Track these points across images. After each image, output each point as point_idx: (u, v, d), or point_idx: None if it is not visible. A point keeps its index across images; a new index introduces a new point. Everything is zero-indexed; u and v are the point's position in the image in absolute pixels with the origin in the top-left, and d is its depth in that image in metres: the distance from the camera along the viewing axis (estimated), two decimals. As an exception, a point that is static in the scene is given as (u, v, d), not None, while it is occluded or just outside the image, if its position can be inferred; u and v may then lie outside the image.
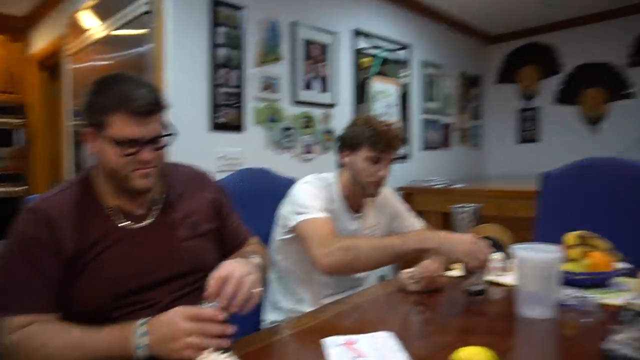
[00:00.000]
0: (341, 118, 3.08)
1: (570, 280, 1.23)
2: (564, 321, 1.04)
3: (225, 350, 0.80)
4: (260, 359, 0.91)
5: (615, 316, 1.07)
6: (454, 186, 3.36)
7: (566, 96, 4.47)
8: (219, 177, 1.58)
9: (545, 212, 1.80)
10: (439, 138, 4.18)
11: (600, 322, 1.03)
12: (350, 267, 1.25)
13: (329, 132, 2.98)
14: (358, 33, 3.24)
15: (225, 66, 2.41)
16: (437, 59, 4.14)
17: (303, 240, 1.34)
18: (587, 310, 1.08)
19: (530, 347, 0.97)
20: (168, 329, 0.80)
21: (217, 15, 2.36)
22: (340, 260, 1.22)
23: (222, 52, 2.39)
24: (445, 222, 3.07)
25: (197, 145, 2.26)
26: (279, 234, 1.51)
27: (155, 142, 0.96)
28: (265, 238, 1.53)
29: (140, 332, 0.81)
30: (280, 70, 2.68)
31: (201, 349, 0.78)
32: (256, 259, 1.03)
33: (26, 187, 3.86)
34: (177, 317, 0.81)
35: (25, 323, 0.86)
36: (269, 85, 2.62)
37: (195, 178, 1.17)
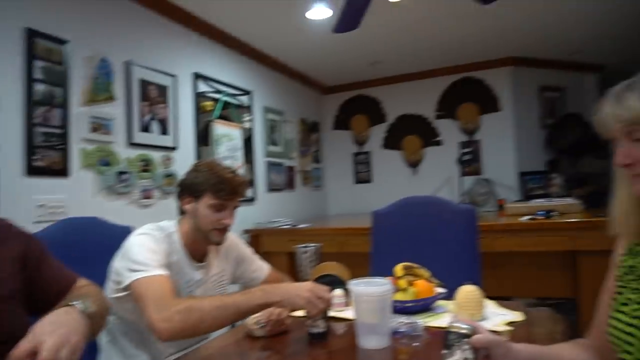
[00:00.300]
0: (183, 161, 2.98)
1: (401, 309, 1.35)
2: (397, 348, 1.13)
3: None
4: None
5: (440, 337, 1.20)
6: (299, 226, 3.47)
7: (391, 142, 5.08)
8: (37, 228, 1.37)
9: (377, 246, 1.97)
10: (283, 180, 4.32)
11: (428, 344, 1.15)
12: (192, 331, 1.14)
13: (169, 175, 2.84)
14: (198, 76, 3.23)
15: (45, 104, 2.14)
16: (278, 105, 4.34)
17: (138, 301, 1.20)
18: (417, 334, 1.19)
19: (369, 378, 1.02)
20: None
21: (34, 47, 2.10)
22: (180, 326, 1.11)
23: (41, 88, 2.12)
24: (291, 261, 3.13)
25: (9, 192, 1.93)
26: (111, 291, 1.33)
27: None
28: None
29: None
30: (113, 110, 2.49)
31: None
32: (81, 305, 0.88)
33: None
34: None
35: None
36: (100, 126, 2.40)
37: None
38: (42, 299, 0.99)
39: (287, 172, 4.40)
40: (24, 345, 0.72)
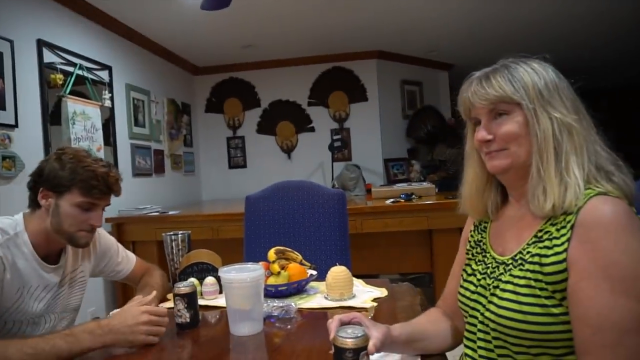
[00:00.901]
0: (27, 142, 2.58)
1: (274, 293, 1.35)
2: (272, 332, 1.12)
3: None
4: None
5: (313, 322, 1.23)
6: (168, 213, 3.27)
7: (265, 127, 5.06)
8: None
9: (250, 231, 1.94)
10: (151, 164, 4.03)
11: (301, 325, 1.16)
12: None
13: (9, 157, 2.44)
14: (44, 44, 2.80)
15: None
16: (143, 83, 4.01)
17: None
18: (290, 317, 1.20)
19: (242, 366, 0.99)
20: None
21: None
22: None
23: None
24: (161, 250, 2.95)
25: None
26: None
27: None
28: None
29: None
30: None
31: None
32: None
33: None
34: None
35: None
36: None
37: None
38: None
39: (155, 155, 4.11)
40: None
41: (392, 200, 3.10)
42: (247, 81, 5.06)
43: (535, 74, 0.83)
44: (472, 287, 0.92)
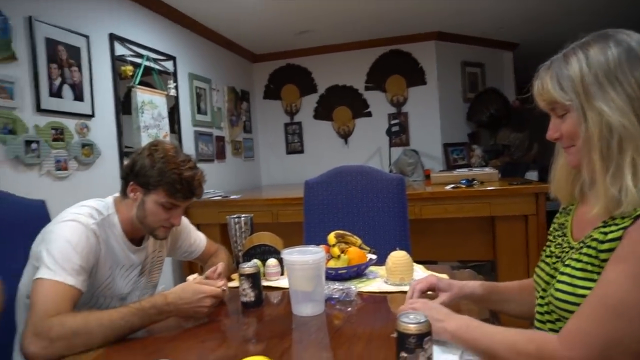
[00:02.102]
0: (103, 130, 2.77)
1: (334, 276, 1.37)
2: (331, 314, 1.14)
3: None
4: None
5: (374, 305, 1.24)
6: (230, 197, 3.40)
7: (322, 113, 5.08)
8: None
9: (309, 215, 1.98)
10: (213, 150, 4.18)
11: (361, 309, 1.18)
12: (71, 353, 1.00)
13: (88, 145, 2.63)
14: (115, 38, 2.97)
15: None
16: (205, 72, 4.14)
17: (30, 301, 1.06)
18: (350, 300, 1.21)
19: (305, 345, 1.02)
20: None
21: None
22: (59, 352, 0.98)
23: None
24: (223, 233, 3.07)
25: None
26: (32, 273, 1.16)
27: None
28: (8, 272, 1.21)
29: None
30: (15, 72, 2.23)
31: None
32: None
33: None
34: None
35: None
36: (1, 89, 2.14)
37: None
38: None
39: (217, 142, 4.26)
40: None
41: (452, 185, 3.02)
42: (304, 67, 5.09)
43: (586, 64, 0.77)
44: (547, 269, 0.92)
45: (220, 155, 4.32)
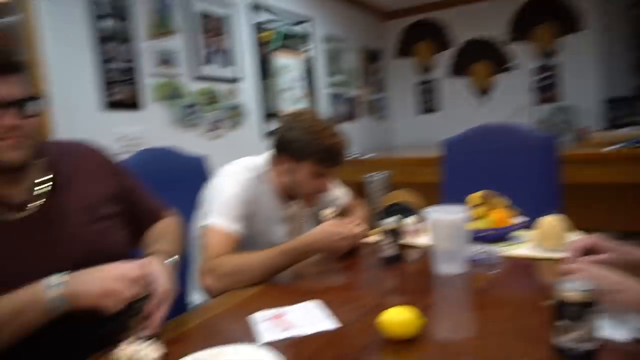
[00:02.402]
0: (247, 94, 2.99)
1: (477, 237, 1.31)
2: (474, 274, 1.11)
3: (149, 337, 0.76)
4: (186, 343, 0.85)
5: (515, 266, 1.17)
6: (365, 157, 3.43)
7: (458, 69, 4.78)
8: (118, 159, 1.44)
9: (449, 175, 1.91)
10: (346, 111, 4.25)
11: (505, 272, 1.12)
12: (237, 287, 1.14)
13: (235, 107, 2.87)
14: (256, 6, 3.13)
15: (112, 39, 2.18)
16: (338, 33, 4.17)
17: (201, 244, 1.23)
18: (493, 262, 1.16)
19: (448, 301, 1.01)
20: (91, 276, 0.78)
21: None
22: (226, 286, 1.13)
23: (108, 23, 2.16)
24: (360, 191, 3.14)
25: (90, 126, 2.03)
26: (201, 219, 1.32)
27: (18, 106, 0.83)
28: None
29: (55, 281, 0.76)
30: (176, 44, 2.50)
31: (125, 299, 0.77)
32: (171, 258, 0.96)
33: None
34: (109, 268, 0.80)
35: None
36: (166, 60, 2.43)
37: (88, 156, 1.03)
38: (136, 227, 1.07)
39: (349, 102, 4.31)
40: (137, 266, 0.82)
41: (615, 146, 2.64)
42: (438, 22, 4.81)
43: None
44: None
45: (354, 115, 4.37)
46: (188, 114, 2.54)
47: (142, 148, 1.75)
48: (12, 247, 0.84)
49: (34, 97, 0.86)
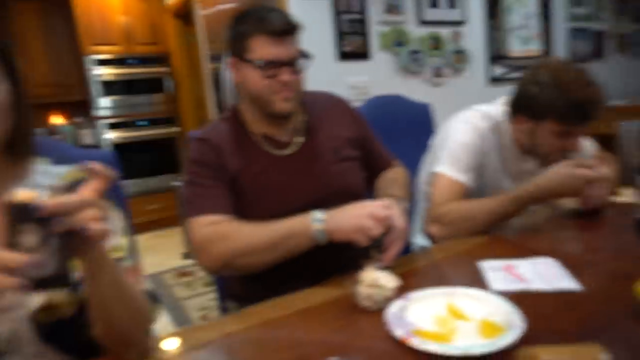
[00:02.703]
0: (472, 36, 2.82)
1: None
2: None
3: (386, 268, 0.86)
4: (417, 279, 0.93)
5: None
6: (615, 103, 2.90)
7: None
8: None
9: None
10: (589, 48, 3.60)
11: None
12: (462, 235, 1.13)
13: (459, 52, 2.76)
14: None
15: (346, -9, 2.32)
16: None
17: (430, 190, 1.24)
18: None
19: None
20: (347, 214, 0.90)
21: None
22: (449, 233, 1.13)
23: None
24: (607, 144, 2.72)
25: (326, 76, 2.26)
26: (429, 166, 1.36)
27: (292, 65, 1.00)
28: (406, 166, 1.48)
29: (317, 217, 0.91)
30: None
31: (371, 235, 0.87)
32: (402, 203, 1.03)
33: (178, 128, 4.31)
34: (359, 207, 0.90)
35: (213, 220, 0.98)
36: (393, 7, 2.47)
37: (334, 105, 1.19)
38: (370, 172, 1.19)
39: (594, 38, 3.63)
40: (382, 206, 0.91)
41: None
42: None
43: None
44: None
45: (601, 53, 3.69)
46: (412, 60, 2.56)
47: (368, 96, 1.87)
48: (280, 177, 1.05)
49: (303, 56, 1.02)
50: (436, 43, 2.65)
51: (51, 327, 0.69)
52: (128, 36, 4.05)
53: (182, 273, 3.10)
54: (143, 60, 4.13)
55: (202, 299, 2.62)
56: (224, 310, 1.27)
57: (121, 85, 4.05)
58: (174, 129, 4.30)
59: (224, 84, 2.69)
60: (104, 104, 3.98)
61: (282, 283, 0.96)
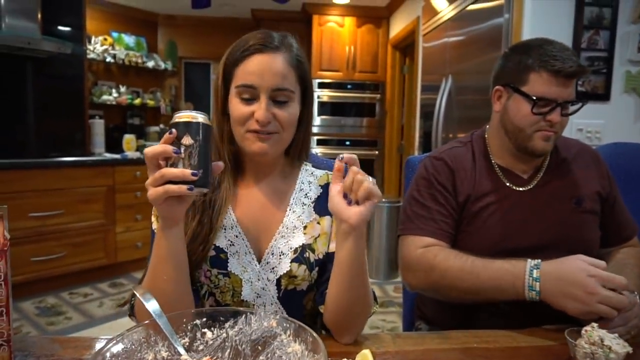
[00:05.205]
0: None
1: None
2: None
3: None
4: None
5: None
6: None
7: None
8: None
9: None
10: None
11: None
12: None
13: None
14: None
15: (591, 27, 2.10)
16: None
17: None
18: None
19: None
20: (568, 282, 0.80)
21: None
22: None
23: (590, 11, 2.09)
24: None
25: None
26: None
27: (565, 107, 0.96)
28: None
29: (533, 276, 0.83)
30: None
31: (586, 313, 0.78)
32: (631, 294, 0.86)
33: (377, 152, 4.54)
34: (580, 271, 0.79)
35: (427, 243, 0.99)
36: (648, 46, 2.13)
37: (588, 154, 1.11)
38: (604, 234, 1.06)
39: None
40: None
41: None
42: None
43: None
44: None
45: None
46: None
47: (599, 143, 1.65)
48: (512, 212, 1.01)
49: (576, 101, 0.98)
50: None
51: (288, 293, 0.83)
52: (351, 64, 4.44)
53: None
54: (360, 87, 4.48)
55: (371, 318, 2.64)
56: (409, 329, 1.26)
57: (334, 107, 4.46)
58: (374, 152, 4.53)
59: (438, 113, 2.72)
60: (316, 122, 4.44)
61: (484, 320, 0.92)
